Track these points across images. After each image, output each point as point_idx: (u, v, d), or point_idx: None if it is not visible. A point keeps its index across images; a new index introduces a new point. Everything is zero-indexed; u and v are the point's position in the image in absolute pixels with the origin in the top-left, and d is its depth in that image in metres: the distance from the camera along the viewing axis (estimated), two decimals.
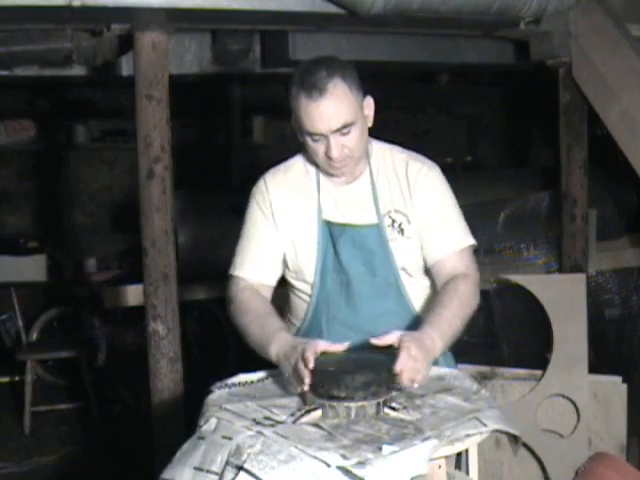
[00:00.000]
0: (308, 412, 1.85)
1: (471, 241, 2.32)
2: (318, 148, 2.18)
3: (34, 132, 6.68)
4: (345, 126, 2.14)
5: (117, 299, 5.00)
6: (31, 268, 6.03)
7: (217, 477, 1.69)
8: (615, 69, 3.81)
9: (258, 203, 2.34)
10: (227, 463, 1.69)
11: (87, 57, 3.83)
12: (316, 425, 1.80)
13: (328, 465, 1.62)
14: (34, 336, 5.77)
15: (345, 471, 1.61)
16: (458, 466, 2.02)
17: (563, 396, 3.37)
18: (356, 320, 2.27)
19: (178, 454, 1.82)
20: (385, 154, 2.34)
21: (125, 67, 3.92)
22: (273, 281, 2.35)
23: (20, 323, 5.51)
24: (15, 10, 3.02)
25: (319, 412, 1.86)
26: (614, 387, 3.36)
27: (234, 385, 2.08)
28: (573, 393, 3.35)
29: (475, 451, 1.93)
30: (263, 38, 4.30)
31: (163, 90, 3.27)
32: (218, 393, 2.03)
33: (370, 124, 2.26)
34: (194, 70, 4.22)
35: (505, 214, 4.73)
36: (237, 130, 6.35)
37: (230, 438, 1.74)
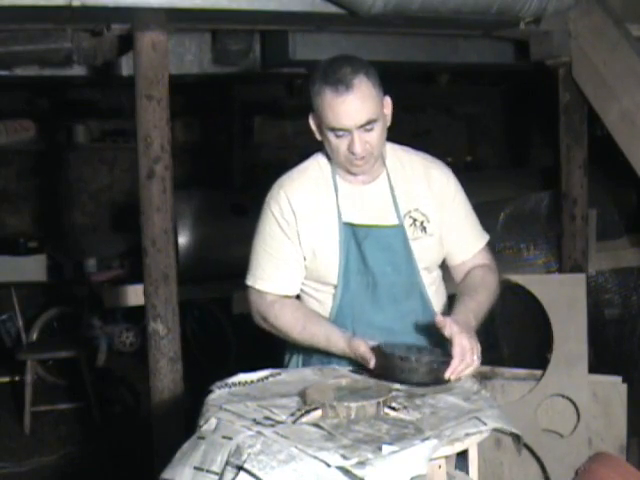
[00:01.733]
0: (308, 412, 1.85)
1: (487, 237, 2.44)
2: (340, 144, 2.18)
3: (34, 132, 6.68)
4: (369, 122, 2.15)
5: (117, 299, 5.01)
6: (31, 268, 6.03)
7: (217, 477, 1.70)
8: (615, 69, 3.81)
9: (274, 213, 2.31)
10: (227, 463, 1.69)
11: (87, 57, 3.83)
12: (316, 425, 1.80)
13: (328, 465, 1.62)
14: (34, 336, 5.77)
15: (345, 471, 1.61)
16: (458, 466, 2.02)
17: (563, 396, 3.37)
18: (382, 321, 2.27)
19: (178, 454, 1.82)
20: (399, 155, 2.36)
21: (125, 67, 3.91)
22: (297, 290, 2.35)
23: (20, 323, 5.51)
24: (15, 10, 3.02)
25: (319, 412, 1.86)
26: (614, 387, 3.37)
27: (234, 385, 2.08)
28: (573, 393, 3.35)
29: (475, 451, 1.93)
30: (263, 38, 4.29)
31: (163, 90, 3.27)
32: (218, 393, 2.03)
33: (389, 123, 2.27)
34: (194, 70, 4.21)
35: (505, 214, 4.73)
36: (237, 130, 6.35)
37: (230, 438, 1.74)
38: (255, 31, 4.16)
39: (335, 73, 2.14)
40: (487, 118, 8.07)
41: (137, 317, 6.09)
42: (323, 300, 2.32)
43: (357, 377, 2.11)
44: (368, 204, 2.30)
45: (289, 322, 2.29)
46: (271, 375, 2.16)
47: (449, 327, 2.06)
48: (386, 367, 2.03)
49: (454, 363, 2.03)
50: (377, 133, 2.18)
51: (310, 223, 2.28)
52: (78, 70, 4.26)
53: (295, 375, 2.17)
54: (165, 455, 1.89)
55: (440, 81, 6.31)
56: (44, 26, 3.57)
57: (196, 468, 1.75)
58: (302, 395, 1.94)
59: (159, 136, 3.26)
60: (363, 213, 2.29)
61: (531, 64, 4.28)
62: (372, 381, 2.02)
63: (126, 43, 3.53)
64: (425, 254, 2.30)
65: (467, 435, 1.79)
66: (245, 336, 5.76)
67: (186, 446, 1.83)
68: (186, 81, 4.44)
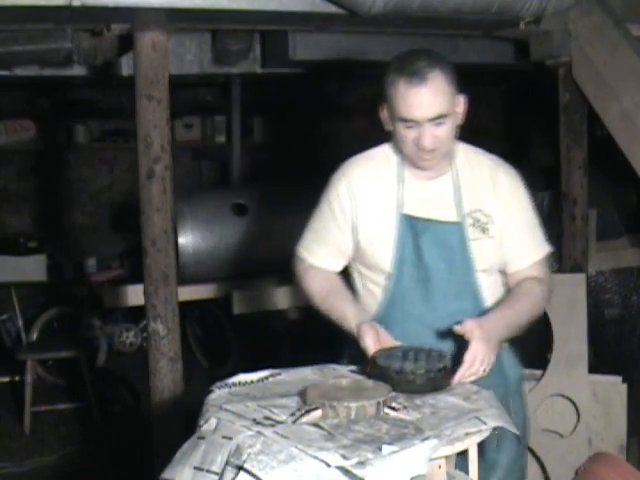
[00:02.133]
0: (308, 412, 1.85)
1: (548, 249, 2.41)
2: (409, 136, 2.19)
3: (34, 132, 6.68)
4: (440, 116, 2.16)
5: (117, 299, 5.01)
6: (31, 268, 6.03)
7: (217, 477, 1.70)
8: (615, 69, 3.81)
9: (330, 196, 2.36)
10: (227, 463, 1.69)
11: (87, 57, 3.83)
12: (316, 425, 1.80)
13: (328, 465, 1.62)
14: (34, 336, 5.77)
15: (345, 471, 1.61)
16: (458, 466, 2.02)
17: (563, 396, 3.37)
18: (431, 318, 2.27)
19: (178, 454, 1.82)
20: (469, 156, 2.36)
21: (125, 67, 3.91)
22: (336, 269, 2.40)
23: (20, 323, 5.51)
24: (15, 10, 3.02)
25: (319, 412, 1.86)
26: (614, 387, 3.37)
27: (234, 385, 2.08)
28: (573, 393, 3.35)
29: (475, 451, 1.93)
30: (263, 38, 4.29)
31: (163, 90, 3.27)
32: (218, 393, 2.03)
33: (460, 122, 2.28)
34: (194, 70, 4.21)
35: None
36: (237, 130, 6.35)
37: (230, 438, 1.74)
38: (255, 31, 4.15)
39: (411, 65, 2.16)
40: (487, 118, 8.06)
41: (137, 317, 6.10)
42: (376, 288, 2.32)
43: (357, 377, 2.11)
44: (430, 199, 2.30)
45: (315, 290, 2.36)
46: (271, 375, 2.16)
47: (471, 330, 2.07)
48: (383, 379, 2.01)
49: (462, 369, 2.05)
50: (446, 129, 2.20)
51: (368, 210, 2.30)
52: (78, 70, 4.25)
53: (295, 375, 2.17)
54: (165, 455, 1.89)
55: None
56: (44, 26, 3.57)
57: (196, 468, 1.75)
58: (302, 395, 1.94)
59: (159, 136, 3.26)
60: (424, 207, 2.29)
61: (531, 64, 4.27)
62: (372, 381, 2.02)
63: (126, 43, 3.53)
64: (484, 256, 2.29)
65: (467, 435, 1.79)
66: (245, 336, 5.77)
67: (186, 446, 1.83)
68: (186, 81, 4.44)
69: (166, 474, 1.80)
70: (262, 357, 5.47)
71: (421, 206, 2.29)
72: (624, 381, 3.38)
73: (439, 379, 2.01)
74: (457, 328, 2.09)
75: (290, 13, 3.37)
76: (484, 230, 2.28)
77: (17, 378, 5.62)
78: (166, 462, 1.83)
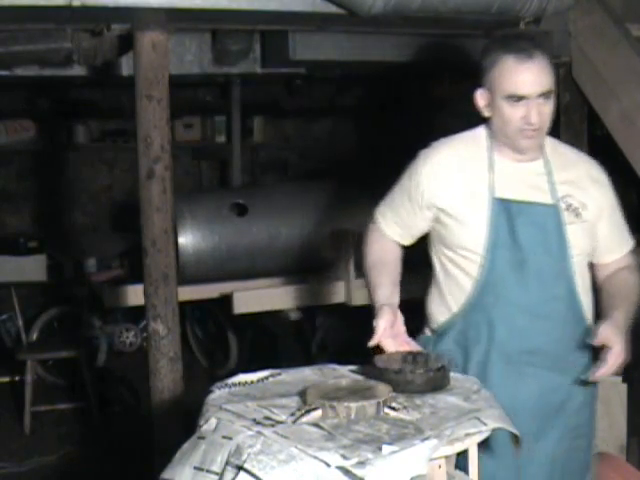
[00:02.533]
0: (308, 412, 1.85)
1: (632, 242, 2.47)
2: (515, 114, 2.21)
3: (34, 132, 6.68)
4: (548, 92, 2.20)
5: (117, 299, 5.00)
6: (31, 268, 6.03)
7: (217, 477, 1.70)
8: (615, 69, 3.81)
9: (411, 174, 2.37)
10: (227, 463, 1.69)
11: (87, 57, 3.82)
12: (316, 425, 1.80)
13: (328, 465, 1.62)
14: (34, 336, 5.77)
15: (345, 471, 1.61)
16: (458, 466, 2.02)
17: None
18: (526, 301, 2.27)
19: (178, 454, 1.82)
20: (558, 148, 2.40)
21: (125, 67, 3.91)
22: (401, 242, 2.43)
23: (20, 323, 5.51)
24: (15, 10, 3.02)
25: (319, 412, 1.86)
26: (614, 387, 3.36)
27: (234, 385, 2.08)
28: None
29: (475, 451, 1.93)
30: (263, 38, 4.29)
31: (163, 90, 3.27)
32: (218, 393, 2.03)
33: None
34: (194, 70, 4.21)
35: None
36: (237, 130, 6.35)
37: (230, 438, 1.74)
38: (255, 31, 4.15)
39: (517, 43, 2.22)
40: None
41: (137, 317, 6.10)
42: (469, 271, 2.30)
43: (357, 377, 2.11)
44: (524, 181, 2.31)
45: (369, 253, 2.41)
46: (271, 375, 2.16)
47: (610, 339, 2.14)
48: (382, 380, 2.01)
49: (604, 368, 2.14)
50: (551, 107, 2.23)
51: (455, 192, 2.30)
52: (78, 70, 4.25)
53: (295, 375, 2.17)
54: (165, 455, 1.89)
55: (440, 81, 6.30)
56: (44, 26, 3.57)
57: (196, 468, 1.75)
58: (302, 395, 1.94)
59: (159, 136, 3.26)
60: (518, 189, 2.29)
61: None
62: (372, 381, 2.02)
63: (126, 43, 3.53)
64: (578, 240, 2.30)
65: (467, 435, 1.79)
66: (245, 336, 5.78)
67: (186, 446, 1.83)
68: (186, 81, 4.44)
69: (166, 474, 1.80)
70: (262, 357, 5.50)
71: (514, 189, 2.28)
72: (624, 381, 3.38)
73: (438, 379, 2.02)
74: (597, 341, 2.15)
75: (290, 13, 3.37)
76: (577, 215, 2.30)
77: (17, 378, 5.62)
78: (166, 462, 1.83)
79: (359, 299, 4.80)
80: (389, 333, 2.16)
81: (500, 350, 2.29)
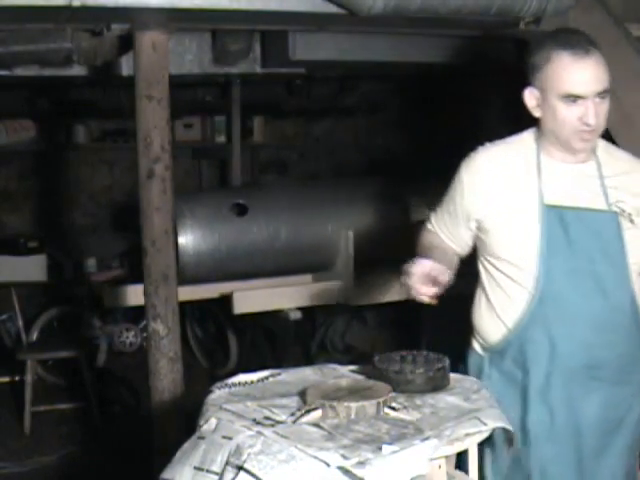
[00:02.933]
0: (308, 412, 1.85)
1: None
2: (571, 114, 2.09)
3: (34, 132, 6.67)
4: (605, 91, 2.10)
5: (117, 299, 5.01)
6: (31, 268, 6.03)
7: (217, 477, 1.70)
8: (615, 69, 3.80)
9: (456, 182, 2.30)
10: (227, 463, 1.69)
11: (87, 57, 3.82)
12: (316, 425, 1.80)
13: (328, 465, 1.62)
14: (34, 336, 5.77)
15: (345, 471, 1.61)
16: (458, 466, 2.02)
17: None
18: (588, 313, 2.15)
19: (178, 454, 1.82)
20: (610, 150, 2.30)
21: (125, 67, 3.91)
22: (458, 250, 2.37)
23: (20, 323, 5.51)
24: (15, 10, 3.02)
25: (319, 412, 1.86)
26: None
27: (234, 385, 2.08)
28: None
29: (475, 451, 1.93)
30: (263, 38, 4.29)
31: (163, 90, 3.27)
32: (218, 393, 2.03)
33: None
34: (194, 70, 4.21)
35: None
36: (237, 130, 6.35)
37: (230, 438, 1.74)
38: (255, 31, 4.15)
39: (572, 38, 2.09)
40: (487, 118, 8.06)
41: (137, 317, 6.10)
42: (521, 282, 2.18)
43: (357, 377, 2.11)
44: (576, 186, 2.19)
45: (422, 243, 2.36)
46: (271, 375, 2.16)
47: None
48: (382, 380, 2.02)
49: None
50: (607, 106, 2.13)
51: (498, 197, 2.20)
52: (78, 70, 4.25)
53: (295, 375, 2.17)
54: (165, 455, 1.89)
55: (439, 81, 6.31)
56: (44, 26, 3.57)
57: (196, 468, 1.75)
58: (302, 395, 1.94)
59: (159, 136, 3.26)
60: (570, 195, 2.17)
61: None
62: (372, 381, 2.02)
63: (126, 43, 3.53)
64: (634, 246, 2.17)
65: (467, 435, 1.79)
66: (245, 336, 5.77)
67: (186, 446, 1.83)
68: (186, 81, 4.44)
69: (166, 474, 1.80)
70: (262, 357, 5.50)
71: (567, 195, 2.17)
72: None
73: (438, 378, 2.02)
74: None
75: (290, 13, 3.37)
76: (631, 221, 2.18)
77: (17, 378, 5.61)
78: (166, 462, 1.83)
79: (359, 299, 4.80)
80: (423, 279, 2.07)
81: (563, 366, 2.18)
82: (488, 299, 2.28)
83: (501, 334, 2.23)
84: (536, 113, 2.20)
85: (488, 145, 2.31)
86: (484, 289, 2.29)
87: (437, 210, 2.41)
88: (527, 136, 2.28)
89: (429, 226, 2.44)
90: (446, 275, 2.09)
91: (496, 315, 2.24)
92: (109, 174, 7.20)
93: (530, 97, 2.19)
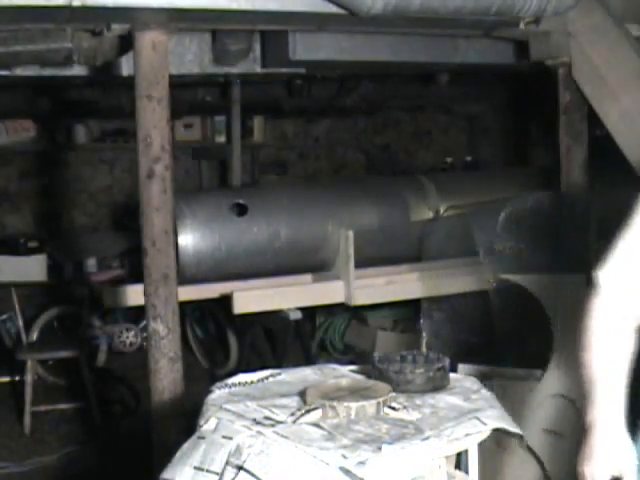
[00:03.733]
0: (308, 412, 1.85)
1: None
2: None
3: (34, 132, 6.67)
4: None
5: (117, 299, 5.00)
6: (31, 268, 6.03)
7: (217, 477, 1.70)
8: (615, 69, 3.81)
9: None
10: (227, 463, 1.69)
11: (87, 57, 3.83)
12: (316, 425, 1.80)
13: (328, 465, 1.62)
14: (34, 336, 5.77)
15: (345, 471, 1.61)
16: (458, 466, 2.02)
17: (563, 396, 3.36)
18: None
19: (178, 454, 1.82)
20: None
21: (125, 67, 3.91)
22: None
23: (20, 323, 5.51)
24: (15, 10, 3.02)
25: (319, 412, 1.86)
26: None
27: (234, 385, 2.08)
28: (573, 393, 3.34)
29: (475, 451, 1.93)
30: (263, 38, 4.29)
31: (163, 90, 3.27)
32: (218, 393, 2.03)
33: None
34: (194, 70, 4.21)
35: (505, 214, 4.73)
36: (237, 130, 6.35)
37: (230, 438, 1.74)
38: (255, 31, 4.15)
39: None
40: (487, 118, 8.06)
41: (137, 317, 6.10)
42: None
43: (357, 377, 2.11)
44: None
45: (592, 344, 1.80)
46: (271, 375, 2.16)
47: None
48: (383, 380, 2.03)
49: None
50: None
51: None
52: (78, 70, 4.25)
53: (295, 375, 2.17)
54: (165, 455, 1.89)
55: (440, 81, 6.31)
56: (44, 26, 3.57)
57: (196, 468, 1.75)
58: (302, 395, 1.94)
59: (159, 136, 3.26)
60: None
61: (531, 64, 4.27)
62: (372, 381, 2.02)
63: (126, 43, 3.53)
64: None
65: (467, 435, 1.79)
66: (245, 336, 5.77)
67: (186, 446, 1.83)
68: (186, 81, 4.44)
69: (166, 474, 1.80)
70: (262, 357, 5.50)
71: None
72: None
73: (438, 379, 2.02)
74: None
75: (290, 13, 3.37)
76: None
77: (17, 378, 5.62)
78: (166, 462, 1.83)
79: (359, 299, 4.80)
80: None
81: None
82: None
83: None
84: None
85: None
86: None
87: (615, 263, 1.82)
88: None
89: (606, 291, 1.83)
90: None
91: None
92: (109, 174, 7.20)
93: None
